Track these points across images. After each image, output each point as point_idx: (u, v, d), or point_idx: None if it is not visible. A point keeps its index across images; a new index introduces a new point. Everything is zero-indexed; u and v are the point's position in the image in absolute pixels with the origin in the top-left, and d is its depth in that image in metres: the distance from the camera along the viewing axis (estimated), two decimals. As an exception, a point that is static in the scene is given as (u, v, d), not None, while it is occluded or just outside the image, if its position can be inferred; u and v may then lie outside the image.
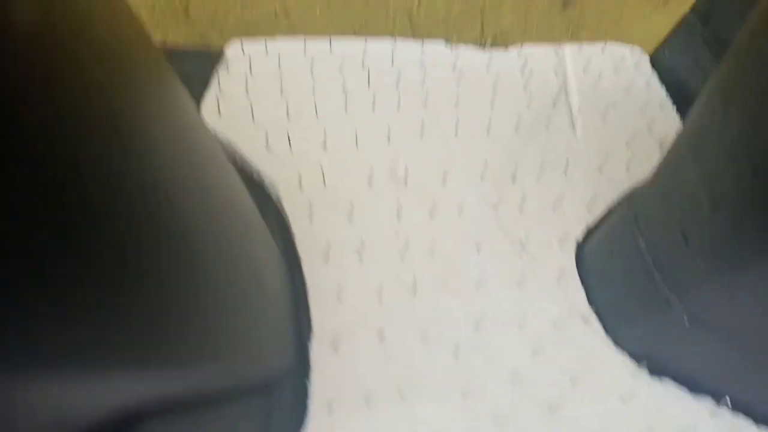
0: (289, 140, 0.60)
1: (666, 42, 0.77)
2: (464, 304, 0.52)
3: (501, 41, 0.94)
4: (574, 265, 0.56)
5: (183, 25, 0.88)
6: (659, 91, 0.72)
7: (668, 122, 0.68)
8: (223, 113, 0.61)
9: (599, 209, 0.60)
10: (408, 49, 0.72)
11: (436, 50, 0.73)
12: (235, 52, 0.68)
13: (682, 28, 0.74)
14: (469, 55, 0.73)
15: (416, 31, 0.92)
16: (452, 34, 0.93)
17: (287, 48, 0.69)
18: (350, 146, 0.61)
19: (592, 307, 0.54)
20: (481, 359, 0.49)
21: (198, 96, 0.64)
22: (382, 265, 0.53)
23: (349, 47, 0.71)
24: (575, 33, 0.97)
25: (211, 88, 0.64)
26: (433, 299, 0.52)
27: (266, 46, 0.68)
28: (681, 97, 0.71)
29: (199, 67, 0.67)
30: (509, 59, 0.73)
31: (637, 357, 0.51)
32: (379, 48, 0.71)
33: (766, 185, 0.36)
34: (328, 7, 0.88)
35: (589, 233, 0.59)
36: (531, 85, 0.70)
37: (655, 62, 0.76)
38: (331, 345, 0.48)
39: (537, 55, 0.75)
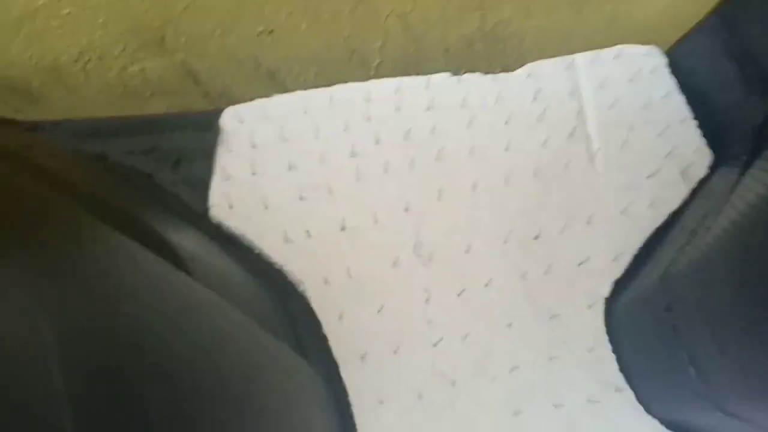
0: (307, 227, 0.58)
1: (684, 42, 0.72)
2: (502, 391, 0.53)
3: (502, 31, 0.88)
4: (605, 329, 0.57)
5: (159, 57, 0.82)
6: (679, 105, 0.68)
7: (690, 144, 0.66)
8: (235, 204, 0.59)
9: (625, 259, 0.60)
10: (413, 88, 0.67)
11: (442, 85, 0.68)
12: (231, 121, 0.64)
13: (703, 31, 0.69)
14: (477, 87, 0.68)
15: (411, 33, 0.86)
16: (449, 31, 0.87)
17: (286, 109, 0.64)
18: (369, 224, 0.59)
19: (623, 374, 0.55)
20: (523, 446, 0.52)
21: (201, 177, 0.61)
22: (418, 361, 0.54)
23: (349, 95, 0.66)
24: (581, 11, 0.90)
25: (216, 175, 0.60)
26: (472, 390, 0.53)
27: (264, 111, 0.64)
28: (702, 109, 0.68)
29: (194, 139, 0.64)
30: (519, 84, 0.69)
31: (668, 424, 0.53)
32: (383, 92, 0.67)
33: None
34: (314, 20, 0.82)
35: (617, 287, 0.59)
36: (546, 116, 0.66)
37: (673, 64, 0.72)
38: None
39: (547, 73, 0.70)
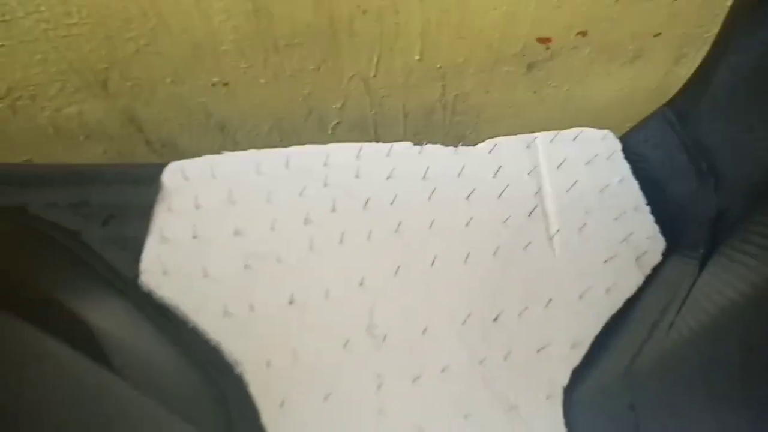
0: (251, 300, 0.53)
1: (638, 130, 0.74)
2: (457, 494, 0.49)
3: (461, 103, 0.89)
4: (563, 422, 0.54)
5: (101, 100, 0.76)
6: (633, 191, 0.69)
7: (644, 231, 0.66)
8: (170, 270, 0.53)
9: (584, 346, 0.58)
10: (374, 155, 0.65)
11: (404, 154, 0.66)
12: (174, 177, 0.58)
13: (656, 120, 0.71)
14: (439, 159, 0.66)
15: (372, 97, 0.85)
16: (410, 98, 0.87)
17: (237, 169, 0.60)
18: (320, 299, 0.55)
19: (582, 472, 0.52)
20: None
21: (135, 238, 0.55)
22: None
23: (308, 159, 0.63)
24: (539, 91, 0.92)
25: (151, 236, 0.54)
26: (424, 493, 0.48)
27: (212, 168, 0.59)
28: (655, 197, 0.69)
29: (131, 194, 0.58)
30: (480, 159, 0.68)
31: None
32: (343, 156, 0.64)
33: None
34: (274, 76, 0.79)
35: (575, 376, 0.57)
36: (506, 194, 0.65)
37: (627, 150, 0.73)
38: None
39: (508, 150, 0.70)
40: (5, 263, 0.39)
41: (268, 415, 0.49)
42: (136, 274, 0.53)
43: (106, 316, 0.41)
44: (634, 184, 0.70)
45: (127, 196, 0.57)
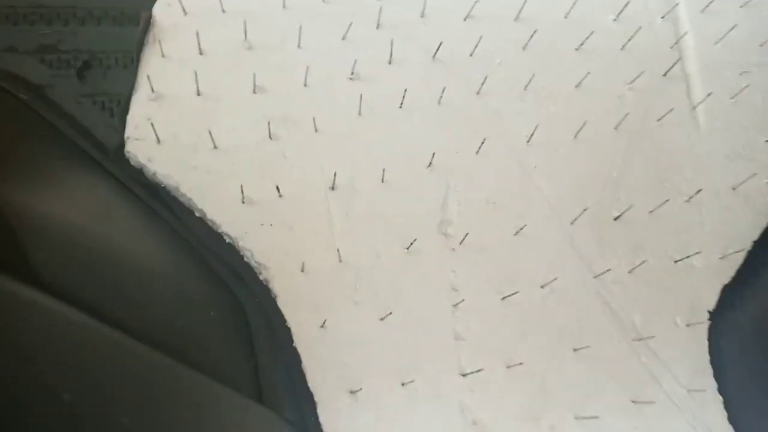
0: (278, 181, 0.38)
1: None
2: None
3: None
4: (707, 357, 0.39)
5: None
6: (810, 44, 0.49)
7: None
8: (166, 137, 0.38)
9: (737, 256, 0.42)
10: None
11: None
12: (168, 12, 0.41)
13: None
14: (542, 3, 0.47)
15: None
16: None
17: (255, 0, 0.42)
18: (375, 182, 0.39)
19: (732, 426, 0.38)
20: None
21: (118, 93, 0.40)
22: (438, 398, 0.35)
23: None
24: None
25: (140, 90, 0.39)
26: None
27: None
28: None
29: (112, 36, 0.42)
30: (599, 4, 0.48)
31: None
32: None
33: None
34: None
35: (726, 295, 0.41)
36: (633, 45, 0.46)
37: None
38: None
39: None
40: None
41: (304, 340, 0.35)
42: (121, 143, 0.38)
43: (62, 201, 0.27)
44: (811, 35, 0.49)
45: (108, 38, 0.42)
